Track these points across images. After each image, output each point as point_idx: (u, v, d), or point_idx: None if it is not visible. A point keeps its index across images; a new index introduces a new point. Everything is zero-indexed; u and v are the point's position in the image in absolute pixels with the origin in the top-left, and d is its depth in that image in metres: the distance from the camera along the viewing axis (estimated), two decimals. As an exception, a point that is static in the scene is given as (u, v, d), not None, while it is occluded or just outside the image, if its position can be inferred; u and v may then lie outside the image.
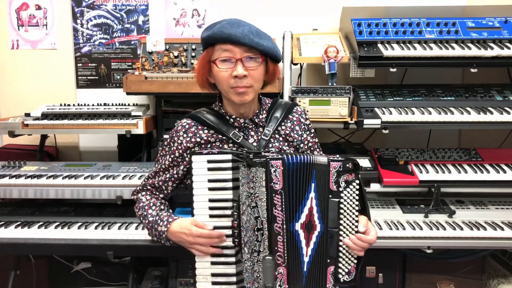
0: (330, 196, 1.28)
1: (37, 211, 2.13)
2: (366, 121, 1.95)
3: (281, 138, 1.44)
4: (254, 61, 1.31)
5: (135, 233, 1.87)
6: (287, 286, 1.22)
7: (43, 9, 2.62)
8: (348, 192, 1.28)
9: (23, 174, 2.06)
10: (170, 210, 1.49)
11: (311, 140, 1.53)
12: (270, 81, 1.43)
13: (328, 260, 1.28)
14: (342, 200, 1.28)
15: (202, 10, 2.60)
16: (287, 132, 1.46)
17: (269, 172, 1.20)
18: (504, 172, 2.00)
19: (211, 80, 1.39)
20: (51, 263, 2.44)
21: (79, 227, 1.93)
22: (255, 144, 1.40)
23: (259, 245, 1.21)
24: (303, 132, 1.50)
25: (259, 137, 1.41)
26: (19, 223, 1.97)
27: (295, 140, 1.46)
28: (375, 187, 2.00)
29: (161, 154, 1.48)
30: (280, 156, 1.22)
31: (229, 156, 1.26)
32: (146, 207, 1.45)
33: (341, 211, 1.28)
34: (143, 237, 1.84)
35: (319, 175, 1.27)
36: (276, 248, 1.21)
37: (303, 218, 1.25)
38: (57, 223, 1.96)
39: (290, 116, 1.48)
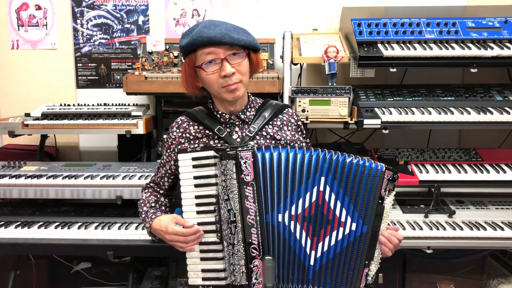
0: (380, 201, 1.28)
1: (37, 211, 2.13)
2: (366, 121, 1.95)
3: (268, 136, 1.43)
4: (238, 57, 1.32)
5: (135, 233, 1.87)
6: (262, 279, 1.19)
7: (43, 9, 2.62)
8: (388, 200, 1.30)
9: (23, 174, 2.06)
10: (163, 208, 1.51)
11: (303, 141, 1.53)
12: (256, 71, 1.44)
13: (366, 262, 1.26)
14: (385, 206, 1.29)
15: (202, 10, 2.60)
16: (275, 130, 1.45)
17: (239, 164, 1.21)
18: (504, 172, 2.00)
19: (199, 85, 1.40)
20: (51, 263, 2.44)
21: (79, 227, 1.93)
22: (238, 140, 1.40)
23: (233, 238, 1.21)
24: (295, 133, 1.49)
25: (243, 134, 1.41)
26: (19, 223, 1.97)
27: (283, 139, 1.44)
28: (375, 187, 1.99)
29: (163, 151, 1.54)
30: (250, 148, 1.22)
31: (211, 153, 1.27)
32: (142, 205, 1.50)
33: (383, 217, 1.29)
34: (143, 237, 1.84)
35: (355, 178, 1.25)
36: (250, 240, 1.20)
37: (296, 210, 1.23)
38: (57, 223, 1.97)
39: (280, 116, 1.48)
